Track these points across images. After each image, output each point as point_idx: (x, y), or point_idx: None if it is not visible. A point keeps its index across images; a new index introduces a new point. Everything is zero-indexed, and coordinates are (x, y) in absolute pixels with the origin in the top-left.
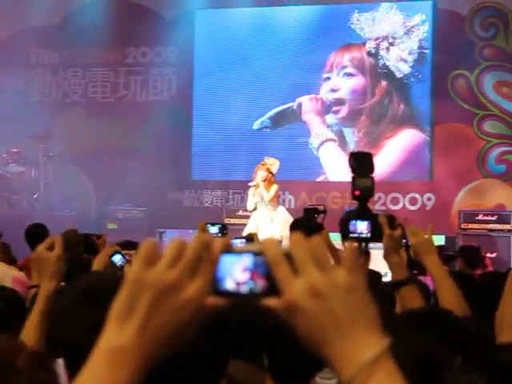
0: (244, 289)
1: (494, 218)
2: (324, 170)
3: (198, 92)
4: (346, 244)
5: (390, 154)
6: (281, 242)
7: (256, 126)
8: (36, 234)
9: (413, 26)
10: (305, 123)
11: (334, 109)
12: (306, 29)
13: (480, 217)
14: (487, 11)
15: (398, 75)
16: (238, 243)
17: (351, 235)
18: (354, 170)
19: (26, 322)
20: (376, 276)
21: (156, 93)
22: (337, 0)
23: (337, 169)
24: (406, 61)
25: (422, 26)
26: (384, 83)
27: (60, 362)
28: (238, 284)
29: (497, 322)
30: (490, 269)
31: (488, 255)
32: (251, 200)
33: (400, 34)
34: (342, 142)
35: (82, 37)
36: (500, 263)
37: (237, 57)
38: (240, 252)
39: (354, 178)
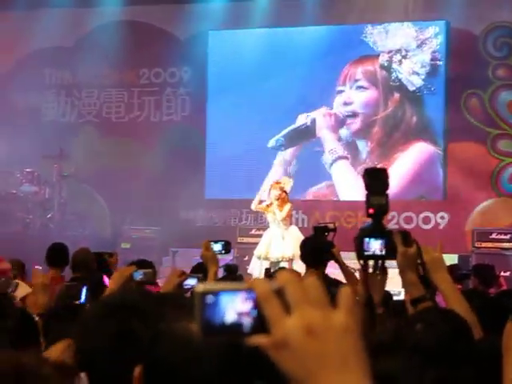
0: (247, 320)
1: (508, 236)
2: (336, 188)
3: (212, 112)
4: (342, 288)
5: (403, 171)
6: (292, 260)
7: (270, 144)
8: (56, 255)
9: (426, 39)
10: (319, 139)
11: (348, 121)
12: (319, 46)
13: (493, 235)
14: (500, 31)
15: (411, 88)
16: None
17: (366, 253)
18: (367, 187)
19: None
20: (387, 296)
21: (170, 113)
22: (348, 21)
23: (348, 187)
24: (418, 74)
25: (434, 38)
26: (397, 95)
27: (83, 375)
28: (241, 314)
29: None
30: (505, 287)
31: (502, 274)
32: (257, 199)
33: (413, 47)
34: (355, 156)
35: (97, 58)
36: None
37: (250, 76)
38: (235, 290)
39: (368, 196)
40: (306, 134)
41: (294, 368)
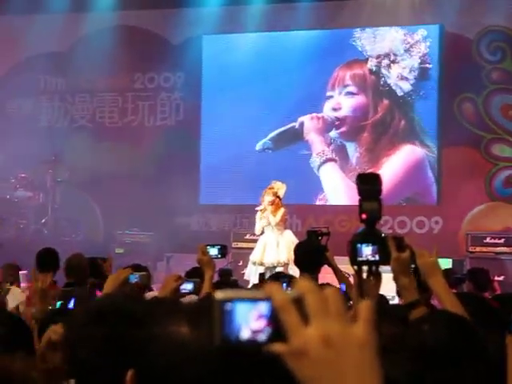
0: (261, 337)
1: (502, 241)
2: (324, 190)
3: (206, 116)
4: (363, 302)
5: (395, 174)
6: (287, 265)
7: (258, 147)
8: (47, 260)
9: (414, 43)
10: (307, 142)
11: (336, 125)
12: (311, 50)
13: (487, 240)
14: (494, 35)
15: (399, 93)
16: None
17: (359, 259)
18: (360, 193)
19: None
20: (383, 299)
21: (164, 118)
22: (340, 25)
23: (337, 190)
24: (407, 79)
25: (423, 42)
26: (386, 101)
27: (72, 382)
28: (255, 332)
29: None
30: (499, 292)
31: (496, 278)
32: (259, 224)
33: (401, 52)
34: (344, 160)
35: (90, 63)
36: (508, 286)
37: (244, 80)
38: (253, 299)
39: (360, 201)
40: (294, 136)
41: (310, 377)
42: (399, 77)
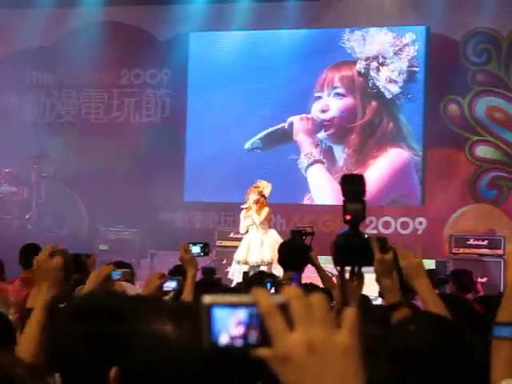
0: (239, 343)
1: (485, 242)
2: (311, 192)
3: (192, 114)
4: (348, 308)
5: (381, 177)
6: (271, 264)
7: (247, 146)
8: (29, 254)
9: (403, 46)
10: (296, 143)
11: (325, 127)
12: (298, 49)
13: (471, 241)
14: (480, 37)
15: (388, 96)
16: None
17: (343, 260)
18: (345, 194)
19: (23, 333)
20: (365, 299)
21: (149, 114)
22: (328, 24)
23: (323, 191)
24: (395, 82)
25: (412, 45)
26: (374, 103)
27: (57, 375)
28: (233, 338)
29: None
30: (482, 293)
31: (479, 280)
32: (243, 223)
33: (390, 54)
34: (331, 161)
35: (76, 58)
36: (491, 288)
37: (230, 79)
38: (234, 305)
39: (345, 202)
40: (283, 137)
41: (293, 383)
42: (388, 79)
